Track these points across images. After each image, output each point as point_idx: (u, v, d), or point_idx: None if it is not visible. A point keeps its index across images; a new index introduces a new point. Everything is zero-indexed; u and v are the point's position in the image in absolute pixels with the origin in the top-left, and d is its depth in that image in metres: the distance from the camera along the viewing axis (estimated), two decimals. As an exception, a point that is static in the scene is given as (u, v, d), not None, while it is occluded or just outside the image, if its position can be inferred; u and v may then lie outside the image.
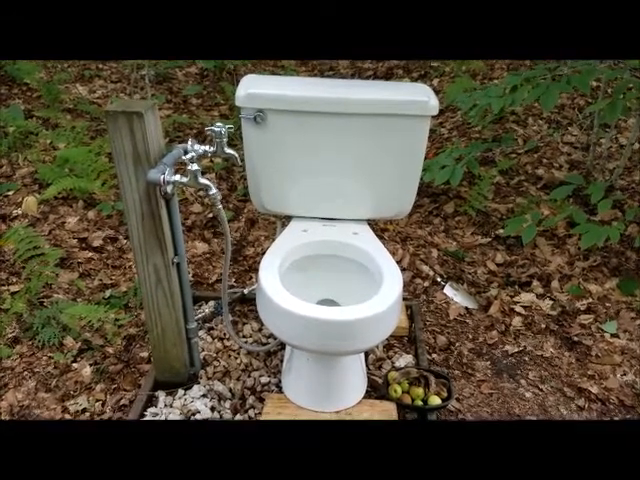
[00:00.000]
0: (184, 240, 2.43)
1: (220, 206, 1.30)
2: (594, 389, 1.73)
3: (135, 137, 1.26)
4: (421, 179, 2.47)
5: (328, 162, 1.55)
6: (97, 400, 1.63)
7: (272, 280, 1.33)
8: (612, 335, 1.94)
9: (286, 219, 1.71)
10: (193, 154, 1.26)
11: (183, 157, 1.27)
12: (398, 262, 2.27)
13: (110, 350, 1.81)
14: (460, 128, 3.28)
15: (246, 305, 1.95)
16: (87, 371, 1.73)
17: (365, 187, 1.59)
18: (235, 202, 2.66)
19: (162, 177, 1.24)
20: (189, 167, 1.24)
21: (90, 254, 2.30)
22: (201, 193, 2.71)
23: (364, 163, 1.55)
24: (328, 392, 1.45)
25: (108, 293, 2.06)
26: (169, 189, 1.25)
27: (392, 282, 1.33)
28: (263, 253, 2.41)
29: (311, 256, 1.52)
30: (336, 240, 1.52)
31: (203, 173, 2.82)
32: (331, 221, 1.63)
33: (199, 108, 3.54)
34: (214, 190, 1.26)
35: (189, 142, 1.36)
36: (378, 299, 1.27)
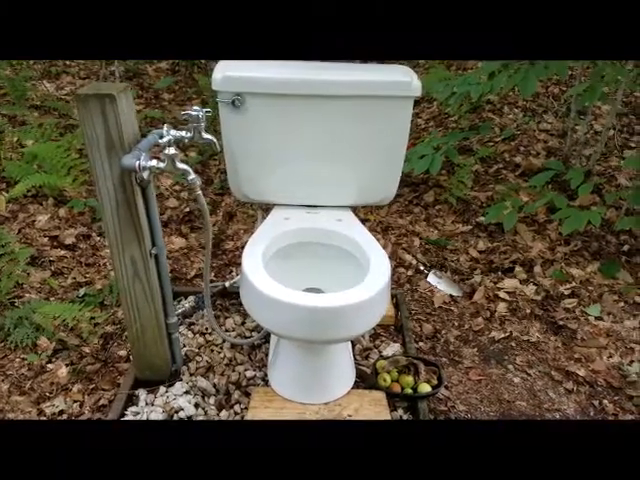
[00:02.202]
0: (164, 234, 2.38)
1: (199, 192, 1.24)
2: (581, 372, 1.72)
3: (108, 121, 1.20)
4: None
5: (310, 147, 1.51)
6: (75, 401, 1.56)
7: (256, 268, 1.28)
8: (596, 318, 1.94)
9: (266, 210, 1.67)
10: (170, 137, 1.21)
11: (159, 141, 1.21)
12: (381, 252, 2.24)
13: (87, 349, 1.74)
14: (437, 118, 3.27)
15: (228, 299, 1.89)
16: (63, 372, 1.65)
17: (349, 172, 1.55)
18: (212, 196, 2.59)
19: (137, 163, 1.18)
20: (165, 151, 1.19)
21: (62, 252, 2.21)
22: (177, 187, 2.64)
23: (347, 147, 1.51)
24: (316, 384, 1.41)
25: (82, 291, 1.98)
26: (145, 175, 1.19)
27: (380, 268, 1.30)
28: (243, 247, 2.38)
29: (295, 244, 1.47)
30: (320, 227, 1.48)
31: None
32: (314, 208, 1.59)
33: (171, 103, 3.47)
34: (193, 175, 1.20)
35: (164, 127, 1.30)
36: (366, 285, 1.23)
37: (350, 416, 1.37)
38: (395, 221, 2.45)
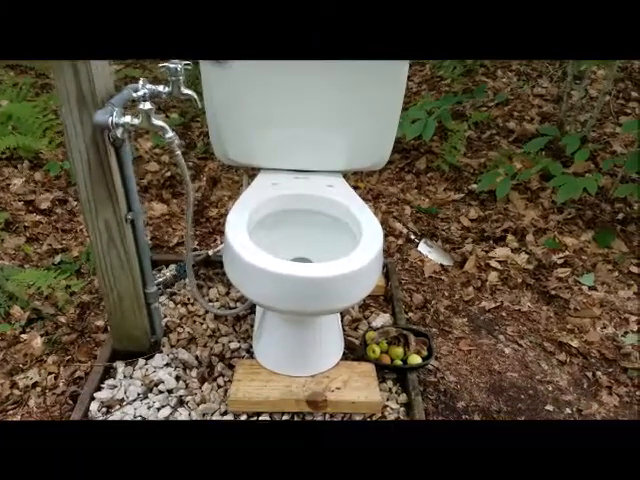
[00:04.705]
0: (140, 201, 2.28)
1: (179, 152, 1.15)
2: (574, 343, 1.68)
3: (79, 75, 1.10)
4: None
5: (299, 107, 1.41)
6: (49, 373, 1.49)
7: (240, 236, 1.20)
8: (590, 288, 1.90)
9: (252, 176, 1.57)
10: (145, 91, 1.11)
11: (133, 94, 1.11)
12: (370, 219, 2.17)
13: (62, 319, 1.66)
14: (429, 82, 3.16)
15: (211, 268, 1.81)
16: (38, 342, 1.58)
17: (340, 134, 1.46)
18: (195, 160, 2.49)
19: (110, 119, 1.08)
20: (140, 106, 1.09)
21: (38, 217, 2.12)
22: (157, 151, 2.53)
23: (339, 108, 1.41)
24: (303, 356, 1.35)
25: (58, 258, 1.90)
26: (118, 133, 1.10)
27: (372, 236, 1.22)
28: (227, 214, 2.29)
29: (282, 211, 1.39)
30: (309, 193, 1.40)
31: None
32: (303, 173, 1.50)
33: (152, 62, 3.31)
34: (170, 133, 1.11)
35: (140, 81, 1.20)
36: (358, 254, 1.16)
37: (338, 389, 1.32)
38: (386, 189, 2.38)
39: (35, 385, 1.45)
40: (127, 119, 1.09)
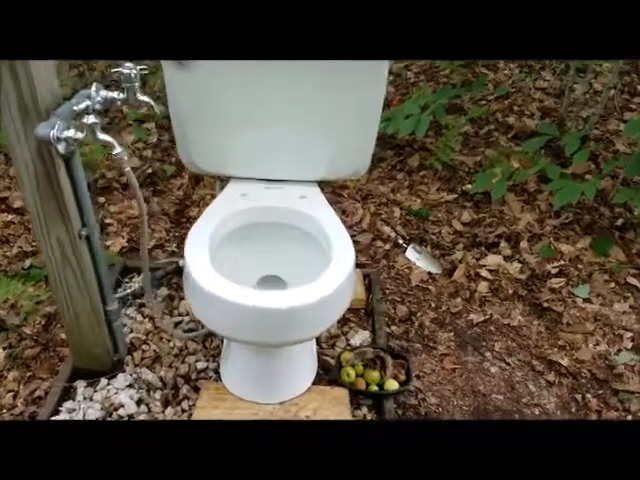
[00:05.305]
0: (118, 200, 2.20)
1: (128, 168, 1.05)
2: (565, 361, 1.60)
3: (19, 82, 1.00)
4: (384, 130, 2.26)
5: (271, 111, 1.31)
6: (8, 391, 1.41)
7: (199, 257, 1.11)
8: (584, 300, 1.80)
9: (226, 180, 1.48)
10: (88, 103, 1.01)
11: (75, 108, 1.01)
12: (358, 223, 2.08)
13: (27, 330, 1.58)
14: (427, 72, 3.03)
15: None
16: (0, 356, 1.51)
17: (316, 140, 1.35)
18: (178, 156, 2.38)
19: (52, 132, 0.99)
20: (84, 120, 0.99)
21: (10, 217, 2.03)
22: (139, 145, 2.43)
23: (316, 110, 1.30)
24: (272, 381, 1.27)
25: (28, 263, 1.82)
26: (61, 148, 1.01)
27: (342, 257, 1.13)
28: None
29: (251, 224, 1.30)
30: (279, 206, 1.30)
31: (142, 122, 2.53)
32: (275, 183, 1.40)
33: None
34: (118, 149, 1.01)
35: (93, 87, 1.10)
36: (327, 277, 1.07)
37: (307, 417, 1.24)
38: (376, 188, 2.27)
39: (-8, 404, 1.38)
40: (70, 133, 1.00)
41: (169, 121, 1.73)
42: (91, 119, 0.98)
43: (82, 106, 1.00)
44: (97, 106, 1.07)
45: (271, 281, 1.30)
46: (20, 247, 1.89)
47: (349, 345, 1.50)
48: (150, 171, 2.29)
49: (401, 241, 2.01)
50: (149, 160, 2.36)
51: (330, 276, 1.08)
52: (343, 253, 1.15)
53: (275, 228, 1.30)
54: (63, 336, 1.56)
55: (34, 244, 1.90)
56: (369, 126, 1.35)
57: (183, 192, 2.23)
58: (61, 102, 1.08)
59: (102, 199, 2.16)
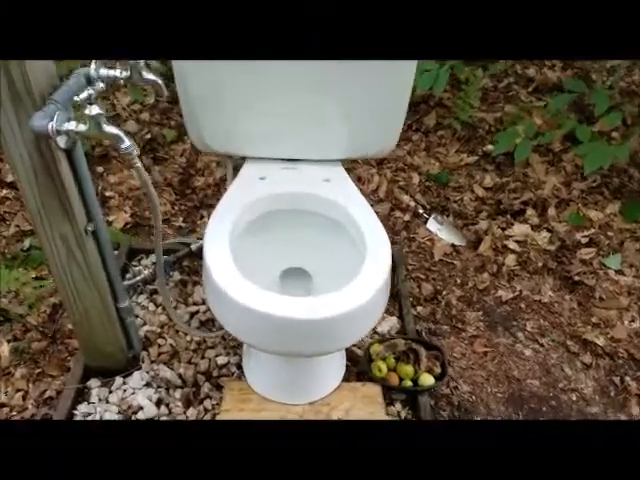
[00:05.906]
0: (117, 169, 2.05)
1: (139, 164, 0.92)
2: (600, 341, 1.52)
3: (9, 66, 0.86)
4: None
5: (289, 86, 1.16)
6: (18, 390, 1.33)
7: (221, 259, 1.00)
8: (616, 272, 1.72)
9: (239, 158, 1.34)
10: (91, 92, 0.87)
11: (76, 97, 0.87)
12: (374, 191, 1.95)
13: (32, 320, 1.48)
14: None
15: (197, 259, 1.60)
16: (5, 350, 1.41)
17: (339, 115, 1.22)
18: (178, 118, 2.22)
19: (50, 125, 0.85)
20: (87, 111, 0.85)
21: (4, 192, 1.90)
22: (135, 107, 2.26)
23: (338, 81, 1.16)
24: (300, 380, 1.19)
25: (27, 243, 1.70)
26: (62, 143, 0.87)
27: (376, 255, 1.02)
28: (215, 184, 2.06)
29: (271, 212, 1.18)
30: (301, 191, 1.18)
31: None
32: (296, 163, 1.27)
33: None
34: (127, 143, 0.87)
35: (92, 65, 0.95)
36: (363, 281, 0.96)
37: (340, 419, 1.17)
38: (392, 151, 2.13)
39: (2, 406, 1.30)
40: (71, 126, 0.86)
41: (169, 80, 1.57)
42: (95, 110, 0.84)
43: (83, 95, 0.86)
44: (100, 85, 0.92)
45: (295, 274, 1.19)
46: (17, 226, 1.76)
47: (376, 334, 1.42)
48: (149, 137, 2.13)
49: (421, 210, 1.90)
50: (147, 124, 2.19)
51: (365, 280, 0.97)
52: (378, 249, 1.04)
53: (298, 215, 1.18)
54: (71, 326, 1.46)
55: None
56: (399, 100, 1.21)
57: (186, 159, 2.08)
58: (57, 84, 0.93)
59: (100, 169, 2.01)
